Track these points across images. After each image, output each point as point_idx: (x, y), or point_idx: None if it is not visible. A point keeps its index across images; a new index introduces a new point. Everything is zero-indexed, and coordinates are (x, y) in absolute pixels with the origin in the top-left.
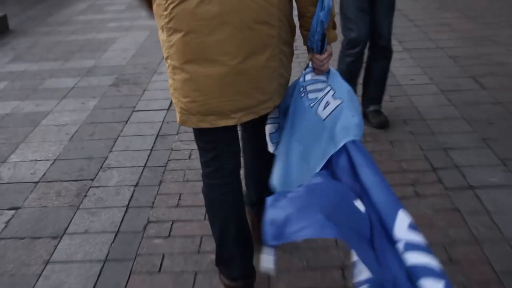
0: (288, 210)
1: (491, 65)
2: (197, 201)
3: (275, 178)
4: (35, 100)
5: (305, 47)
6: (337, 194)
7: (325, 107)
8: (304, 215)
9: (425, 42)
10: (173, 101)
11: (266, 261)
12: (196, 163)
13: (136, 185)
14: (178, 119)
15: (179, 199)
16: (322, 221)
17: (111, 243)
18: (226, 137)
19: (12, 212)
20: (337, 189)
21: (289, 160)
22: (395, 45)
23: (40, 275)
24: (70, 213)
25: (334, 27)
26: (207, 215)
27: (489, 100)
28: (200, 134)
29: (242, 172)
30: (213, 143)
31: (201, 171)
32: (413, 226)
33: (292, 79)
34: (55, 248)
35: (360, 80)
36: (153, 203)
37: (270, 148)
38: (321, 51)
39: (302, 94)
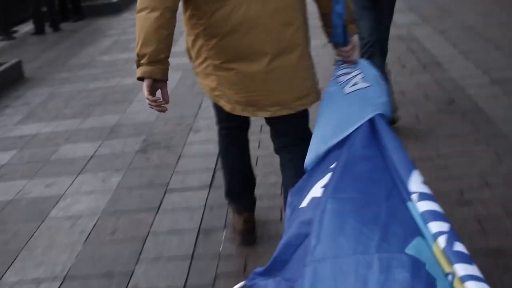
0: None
1: None
2: None
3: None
4: (45, 177)
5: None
6: None
7: (352, 86)
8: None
9: None
10: (217, 94)
11: None
12: None
13: None
14: (227, 108)
15: None
16: None
17: None
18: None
19: None
20: None
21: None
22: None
23: None
24: None
25: (353, 21)
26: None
27: None
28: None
29: None
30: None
31: None
32: (426, 183)
33: None
34: None
35: None
36: None
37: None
38: (344, 44)
39: (332, 81)
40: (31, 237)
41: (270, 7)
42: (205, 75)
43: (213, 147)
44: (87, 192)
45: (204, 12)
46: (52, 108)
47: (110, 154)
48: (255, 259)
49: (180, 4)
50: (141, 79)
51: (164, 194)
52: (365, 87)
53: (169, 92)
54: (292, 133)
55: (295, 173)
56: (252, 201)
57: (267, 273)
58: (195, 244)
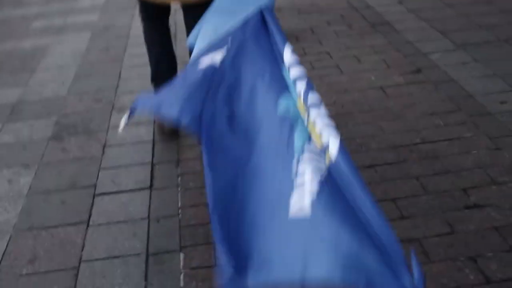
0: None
1: None
2: None
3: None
4: None
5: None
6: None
7: None
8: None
9: None
10: None
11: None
12: None
13: None
14: None
15: None
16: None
17: None
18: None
19: None
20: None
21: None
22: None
23: None
24: None
25: None
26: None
27: None
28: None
29: None
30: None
31: None
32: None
33: None
34: None
35: None
36: None
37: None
38: None
39: None
40: None
41: None
42: None
43: (145, 132)
44: None
45: None
46: None
47: (14, 143)
48: None
49: None
50: None
51: (93, 200)
52: None
53: (79, 58)
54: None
55: None
56: None
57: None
58: (145, 273)
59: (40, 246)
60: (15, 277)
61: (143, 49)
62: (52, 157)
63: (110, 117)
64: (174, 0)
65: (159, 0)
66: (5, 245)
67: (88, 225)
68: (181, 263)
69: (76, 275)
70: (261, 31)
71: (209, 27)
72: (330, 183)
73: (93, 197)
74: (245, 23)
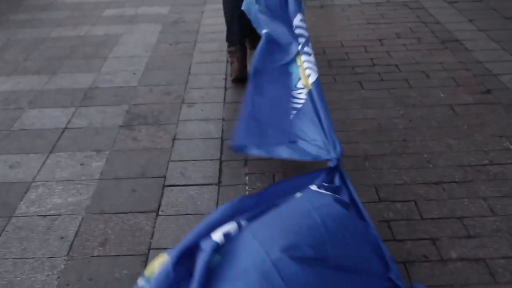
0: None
1: None
2: None
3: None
4: (8, 153)
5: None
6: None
7: None
8: None
9: None
10: None
11: None
12: None
13: None
14: None
15: None
16: None
17: None
18: None
19: None
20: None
21: None
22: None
23: None
24: None
25: None
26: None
27: None
28: None
29: None
30: None
31: None
32: (303, 20)
33: None
34: None
35: None
36: None
37: None
38: None
39: None
40: None
41: None
42: None
43: (214, 129)
44: (64, 179)
45: None
46: (9, 59)
47: (87, 128)
48: None
49: None
50: None
51: (162, 191)
52: None
53: (150, 49)
54: None
55: None
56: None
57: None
58: None
59: (111, 230)
60: (86, 258)
61: (212, 46)
62: (123, 144)
63: (180, 110)
64: None
65: None
66: (78, 225)
67: (157, 214)
68: None
69: (145, 262)
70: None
71: None
72: (307, 104)
73: (163, 188)
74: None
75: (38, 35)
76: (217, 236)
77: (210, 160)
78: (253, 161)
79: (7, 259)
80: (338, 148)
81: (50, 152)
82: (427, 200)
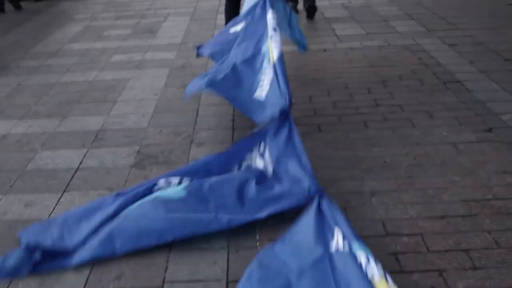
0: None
1: None
2: None
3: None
4: (23, 193)
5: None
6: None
7: None
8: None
9: None
10: None
11: None
12: None
13: None
14: None
15: None
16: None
17: None
18: None
19: None
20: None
21: None
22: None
23: None
24: None
25: None
26: None
27: None
28: None
29: None
30: None
31: None
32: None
33: None
34: None
35: None
36: None
37: None
38: None
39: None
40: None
41: None
42: None
43: None
44: None
45: None
46: (21, 104)
47: (99, 168)
48: None
49: None
50: None
51: None
52: None
53: (158, 93)
54: None
55: None
56: None
57: None
58: None
59: (126, 264)
60: None
61: None
62: (135, 183)
63: (189, 151)
64: None
65: None
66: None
67: (171, 249)
68: None
69: None
70: (260, 7)
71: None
72: (273, 82)
73: None
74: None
75: (48, 80)
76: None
77: None
78: None
79: None
80: (287, 97)
81: (64, 191)
82: (433, 233)
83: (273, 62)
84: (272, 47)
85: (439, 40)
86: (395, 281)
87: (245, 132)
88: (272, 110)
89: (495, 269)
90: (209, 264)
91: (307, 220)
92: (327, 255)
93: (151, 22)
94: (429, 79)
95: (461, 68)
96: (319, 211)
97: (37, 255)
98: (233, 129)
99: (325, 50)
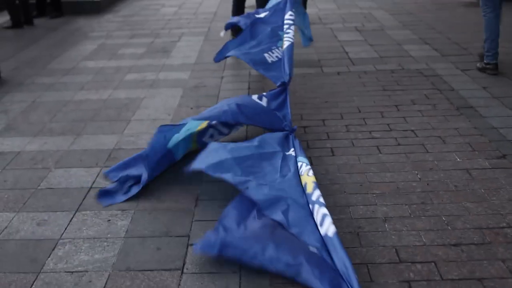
0: None
1: None
2: None
3: None
4: (35, 211)
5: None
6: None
7: None
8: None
9: None
10: None
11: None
12: None
13: None
14: None
15: None
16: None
17: None
18: None
19: None
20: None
21: None
22: None
23: None
24: None
25: None
26: None
27: None
28: None
29: None
30: None
31: None
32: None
33: None
34: None
35: None
36: None
37: None
38: None
39: None
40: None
41: None
42: None
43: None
44: (90, 237)
45: None
46: (35, 121)
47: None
48: None
49: None
50: None
51: (187, 249)
52: None
53: (171, 113)
54: None
55: None
56: None
57: None
58: None
59: (137, 287)
60: None
61: None
62: (148, 204)
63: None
64: None
65: None
66: (105, 282)
67: (182, 272)
68: None
69: None
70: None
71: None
72: (280, 61)
73: (187, 246)
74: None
75: (62, 97)
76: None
77: None
78: None
79: None
80: (288, 74)
81: (77, 210)
82: (446, 261)
83: (283, 49)
84: (284, 40)
85: (452, 64)
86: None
87: None
88: (274, 77)
89: None
90: None
91: (277, 134)
92: (282, 153)
93: (165, 42)
94: (442, 104)
95: (474, 93)
96: (287, 136)
97: (128, 184)
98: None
99: (338, 73)
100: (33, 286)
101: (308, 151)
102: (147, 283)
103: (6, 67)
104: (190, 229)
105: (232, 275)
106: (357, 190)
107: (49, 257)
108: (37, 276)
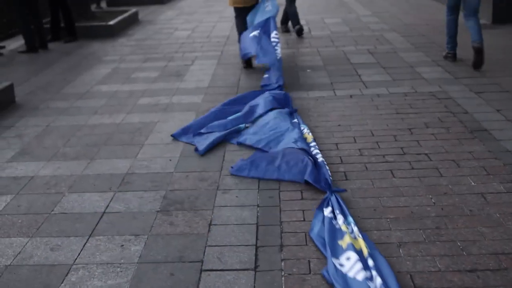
0: None
1: None
2: None
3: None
4: (49, 236)
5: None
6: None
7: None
8: None
9: None
10: None
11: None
12: None
13: None
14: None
15: None
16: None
17: None
18: None
19: None
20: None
21: None
22: None
23: None
24: None
25: None
26: None
27: None
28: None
29: None
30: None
31: None
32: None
33: None
34: None
35: None
36: None
37: None
38: None
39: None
40: None
41: None
42: None
43: (249, 215)
44: (103, 262)
45: None
46: (49, 145)
47: (125, 212)
48: None
49: None
50: None
51: (200, 275)
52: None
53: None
54: None
55: None
56: None
57: None
58: None
59: None
60: None
61: None
62: (161, 229)
63: (215, 197)
64: (243, 4)
65: (239, 5)
66: None
67: None
68: None
69: None
70: (267, 23)
71: (250, 19)
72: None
73: (200, 272)
74: (266, 20)
75: (76, 122)
76: None
77: (246, 245)
78: (289, 247)
79: None
80: (280, 80)
81: (90, 235)
82: (462, 287)
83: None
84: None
85: (465, 87)
86: None
87: (272, 180)
88: (272, 72)
89: None
90: None
91: (283, 111)
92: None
93: (178, 65)
94: (456, 127)
95: (488, 116)
96: (291, 113)
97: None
98: (259, 179)
99: (351, 96)
100: None
101: None
102: None
103: (21, 91)
104: (204, 254)
105: None
106: (371, 215)
107: (62, 282)
108: None
